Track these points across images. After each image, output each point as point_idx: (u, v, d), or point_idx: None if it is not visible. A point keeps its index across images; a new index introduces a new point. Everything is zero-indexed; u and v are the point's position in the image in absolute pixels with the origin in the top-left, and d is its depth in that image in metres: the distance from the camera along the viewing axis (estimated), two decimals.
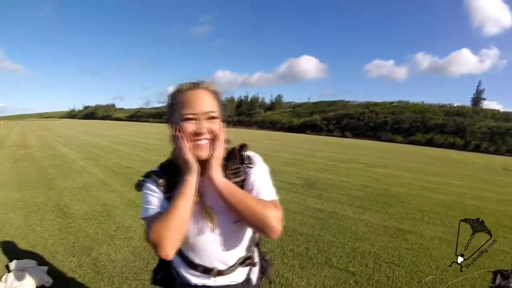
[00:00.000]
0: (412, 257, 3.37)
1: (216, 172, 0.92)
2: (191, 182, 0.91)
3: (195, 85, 0.96)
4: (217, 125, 0.94)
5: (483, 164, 17.03)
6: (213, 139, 0.94)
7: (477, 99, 47.09)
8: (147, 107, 73.03)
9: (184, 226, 0.90)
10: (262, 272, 1.18)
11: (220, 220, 0.97)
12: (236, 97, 79.86)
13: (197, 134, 0.91)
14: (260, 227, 0.91)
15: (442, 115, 35.44)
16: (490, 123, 32.35)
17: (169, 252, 0.87)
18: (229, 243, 1.01)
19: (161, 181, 0.98)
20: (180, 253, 1.02)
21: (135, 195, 5.26)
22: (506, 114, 35.55)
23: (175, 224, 0.87)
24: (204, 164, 0.94)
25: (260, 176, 1.01)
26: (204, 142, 0.92)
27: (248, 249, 1.08)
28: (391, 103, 41.25)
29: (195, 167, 0.91)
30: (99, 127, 30.29)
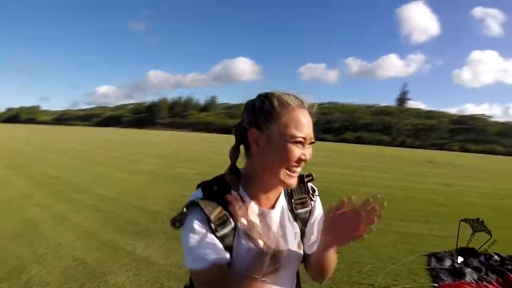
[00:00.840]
0: (349, 250, 3.50)
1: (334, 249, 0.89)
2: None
3: (302, 103, 0.83)
4: (311, 151, 0.84)
5: (409, 158, 18.64)
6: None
7: (402, 99, 51.60)
8: (74, 109, 68.75)
9: None
10: None
11: (284, 260, 0.87)
12: (169, 98, 78.35)
13: (300, 161, 0.81)
14: (325, 277, 1.00)
15: (370, 114, 38.23)
16: (415, 120, 35.74)
17: None
18: (287, 279, 0.96)
19: (214, 215, 0.76)
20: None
21: (62, 208, 4.89)
22: (429, 112, 39.53)
23: None
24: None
25: (322, 215, 0.98)
26: (299, 169, 0.84)
27: (296, 279, 1.05)
28: (322, 104, 43.54)
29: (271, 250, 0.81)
30: (22, 131, 27.39)
